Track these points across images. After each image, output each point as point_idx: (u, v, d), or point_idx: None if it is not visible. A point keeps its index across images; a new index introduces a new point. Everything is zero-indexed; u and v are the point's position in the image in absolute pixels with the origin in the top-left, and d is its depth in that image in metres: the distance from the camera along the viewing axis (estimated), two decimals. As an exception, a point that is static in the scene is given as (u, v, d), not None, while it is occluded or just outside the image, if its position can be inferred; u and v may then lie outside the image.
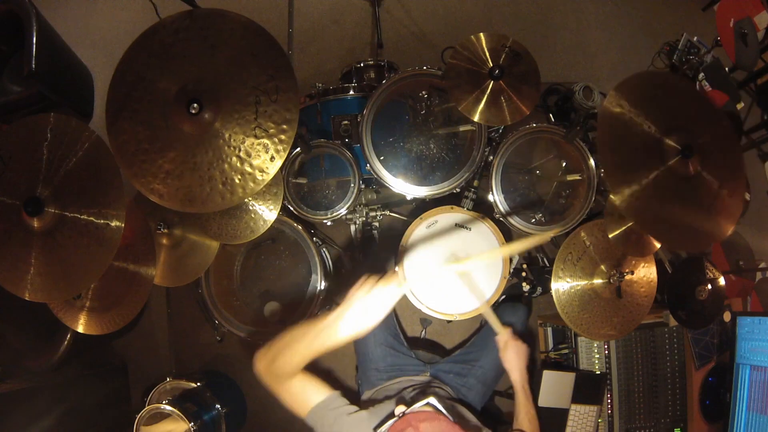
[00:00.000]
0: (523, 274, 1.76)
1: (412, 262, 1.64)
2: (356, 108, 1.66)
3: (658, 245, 1.51)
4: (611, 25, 2.45)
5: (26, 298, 1.13)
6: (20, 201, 1.10)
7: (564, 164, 1.76)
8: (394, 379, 1.51)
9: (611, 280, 1.49)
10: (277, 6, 2.31)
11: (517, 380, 1.39)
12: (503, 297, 1.68)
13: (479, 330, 1.55)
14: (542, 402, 1.67)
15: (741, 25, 1.80)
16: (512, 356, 1.41)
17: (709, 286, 1.66)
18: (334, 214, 1.63)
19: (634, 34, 2.44)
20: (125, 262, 1.37)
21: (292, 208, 1.63)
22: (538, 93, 1.46)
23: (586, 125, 1.53)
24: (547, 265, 1.91)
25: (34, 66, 1.55)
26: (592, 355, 1.77)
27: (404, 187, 1.58)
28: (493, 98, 1.42)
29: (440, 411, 1.04)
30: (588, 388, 1.70)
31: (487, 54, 1.45)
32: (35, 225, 1.12)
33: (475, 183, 1.63)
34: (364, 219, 1.84)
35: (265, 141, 1.10)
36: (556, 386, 1.68)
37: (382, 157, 1.59)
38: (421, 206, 1.86)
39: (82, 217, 1.12)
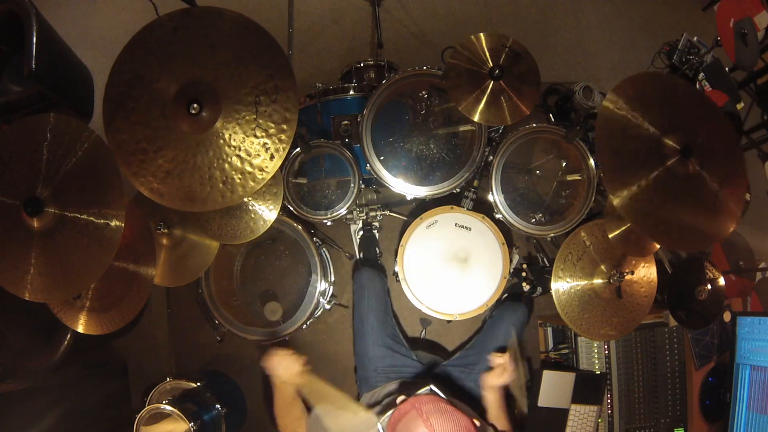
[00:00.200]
0: (523, 274, 1.76)
1: (412, 262, 1.64)
2: (356, 108, 1.66)
3: (658, 245, 1.51)
4: (611, 25, 2.45)
5: (26, 298, 1.13)
6: (20, 201, 1.10)
7: (564, 164, 1.76)
8: (392, 381, 1.51)
9: (611, 280, 1.49)
10: (277, 6, 2.31)
11: (496, 400, 1.37)
12: (504, 296, 1.68)
13: (479, 331, 1.55)
14: (542, 402, 1.67)
15: (741, 25, 1.80)
16: (505, 380, 1.38)
17: (709, 286, 1.65)
18: (334, 214, 1.63)
19: (634, 34, 2.44)
20: (125, 262, 1.37)
21: (292, 208, 1.63)
22: (538, 93, 1.46)
23: (586, 125, 1.53)
24: (547, 265, 1.91)
25: (34, 66, 1.55)
26: (592, 355, 1.77)
27: (404, 187, 1.58)
28: (493, 98, 1.42)
29: (440, 395, 1.05)
30: (588, 388, 1.70)
31: (487, 54, 1.45)
32: (35, 225, 1.12)
33: (475, 183, 1.63)
34: (364, 219, 1.84)
35: (265, 141, 1.10)
36: (556, 386, 1.67)
37: (382, 157, 1.59)
38: (421, 206, 1.86)
39: (82, 217, 1.12)
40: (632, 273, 1.52)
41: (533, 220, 1.74)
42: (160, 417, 1.53)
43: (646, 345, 1.76)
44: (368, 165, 1.57)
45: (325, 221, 1.65)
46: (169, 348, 2.05)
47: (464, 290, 1.60)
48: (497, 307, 1.67)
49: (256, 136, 1.10)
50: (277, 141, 1.10)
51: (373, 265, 1.77)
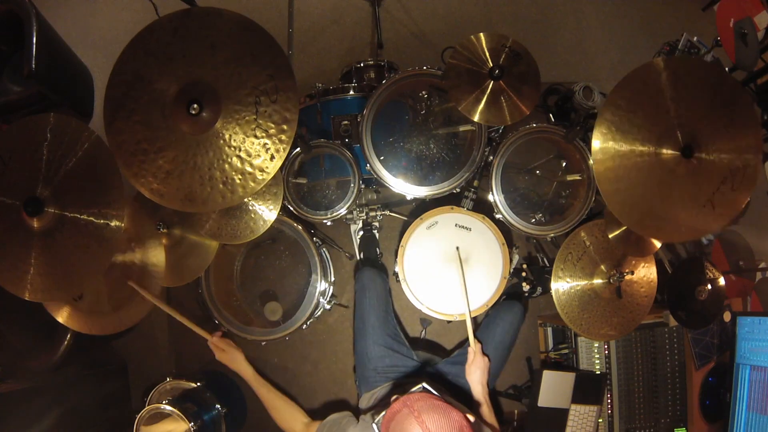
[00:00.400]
0: (523, 274, 1.76)
1: (412, 262, 1.64)
2: (356, 108, 1.66)
3: (658, 245, 1.51)
4: (611, 25, 2.45)
5: (26, 298, 1.13)
6: (20, 201, 1.11)
7: (564, 164, 1.76)
8: (392, 381, 1.51)
9: (611, 280, 1.49)
10: (277, 6, 2.31)
11: (480, 393, 1.44)
12: (503, 297, 1.68)
13: (476, 331, 1.56)
14: (542, 402, 1.67)
15: (741, 25, 1.80)
16: (476, 371, 1.46)
17: (709, 286, 1.65)
18: (334, 214, 1.63)
19: (634, 34, 2.44)
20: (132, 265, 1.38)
21: (292, 208, 1.63)
22: (538, 93, 1.46)
23: (586, 125, 1.53)
24: (547, 265, 1.91)
25: (34, 66, 1.55)
26: (592, 355, 1.77)
27: (404, 187, 1.58)
28: (493, 98, 1.42)
29: (433, 393, 1.07)
30: (588, 388, 1.70)
31: (487, 54, 1.45)
32: (35, 225, 1.12)
33: (475, 183, 1.63)
34: (364, 219, 1.84)
35: (265, 141, 1.10)
36: (556, 386, 1.67)
37: (382, 157, 1.59)
38: (421, 206, 1.86)
39: (82, 217, 1.12)
40: (632, 273, 1.52)
41: (533, 220, 1.74)
42: (160, 417, 1.53)
43: (646, 345, 1.76)
44: (368, 165, 1.57)
45: (325, 221, 1.65)
46: (169, 348, 2.05)
47: (456, 294, 1.60)
48: (493, 306, 1.67)
49: (256, 137, 1.10)
50: (277, 141, 1.10)
51: (375, 265, 1.78)
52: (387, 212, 1.90)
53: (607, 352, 1.75)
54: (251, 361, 1.50)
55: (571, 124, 1.55)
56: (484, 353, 1.52)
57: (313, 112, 1.69)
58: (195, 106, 1.07)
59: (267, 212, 1.53)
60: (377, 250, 1.90)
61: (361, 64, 1.86)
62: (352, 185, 1.63)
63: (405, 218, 2.00)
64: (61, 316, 1.38)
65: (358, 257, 1.96)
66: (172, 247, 1.59)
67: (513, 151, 1.60)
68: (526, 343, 2.01)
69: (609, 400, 1.74)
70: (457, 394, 1.53)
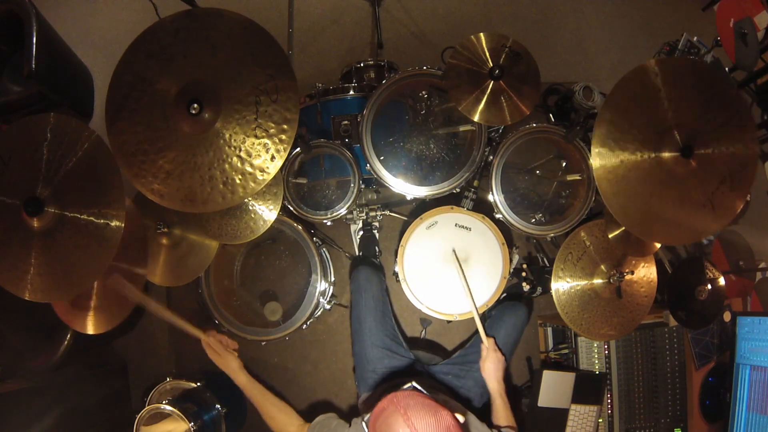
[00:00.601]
0: (523, 274, 1.76)
1: (412, 262, 1.64)
2: (356, 108, 1.66)
3: (658, 245, 1.51)
4: (611, 25, 2.45)
5: (26, 298, 1.13)
6: (20, 201, 1.10)
7: (564, 164, 1.76)
8: (390, 381, 1.51)
9: (611, 280, 1.49)
10: (277, 6, 2.31)
11: (495, 388, 1.43)
12: (504, 296, 1.68)
13: (478, 331, 1.56)
14: (542, 402, 1.67)
15: (741, 25, 1.80)
16: (490, 366, 1.45)
17: (709, 286, 1.66)
18: (334, 214, 1.63)
19: (634, 34, 2.44)
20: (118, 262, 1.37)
21: (292, 208, 1.63)
22: (538, 93, 1.46)
23: (586, 125, 1.53)
24: (547, 265, 1.91)
25: (34, 66, 1.55)
26: (592, 355, 1.77)
27: (404, 187, 1.58)
28: (493, 98, 1.42)
29: (421, 391, 1.07)
30: (588, 388, 1.70)
31: (487, 54, 1.45)
32: (35, 225, 1.12)
33: (475, 183, 1.63)
34: (364, 219, 1.84)
35: (266, 141, 1.10)
36: (556, 386, 1.67)
37: (382, 157, 1.59)
38: (421, 206, 1.86)
39: (82, 217, 1.12)
40: (632, 273, 1.52)
41: (533, 220, 1.74)
42: (160, 417, 1.53)
43: (646, 345, 1.76)
44: (368, 165, 1.57)
45: (325, 221, 1.65)
46: (169, 348, 2.05)
47: (461, 292, 1.60)
48: (497, 306, 1.67)
49: (256, 137, 1.10)
50: (277, 141, 1.10)
51: (371, 263, 1.77)
52: (387, 212, 1.90)
53: (607, 352, 1.75)
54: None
55: (571, 124, 1.55)
56: (497, 348, 1.50)
57: (313, 112, 1.69)
58: (195, 106, 1.07)
59: (267, 212, 1.53)
60: (377, 249, 1.90)
61: (361, 64, 1.86)
62: (352, 185, 1.63)
63: (405, 218, 2.00)
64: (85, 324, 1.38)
65: (357, 256, 1.96)
66: (172, 247, 1.59)
67: (513, 151, 1.60)
68: (526, 343, 2.00)
69: (609, 400, 1.74)
70: (456, 394, 1.53)
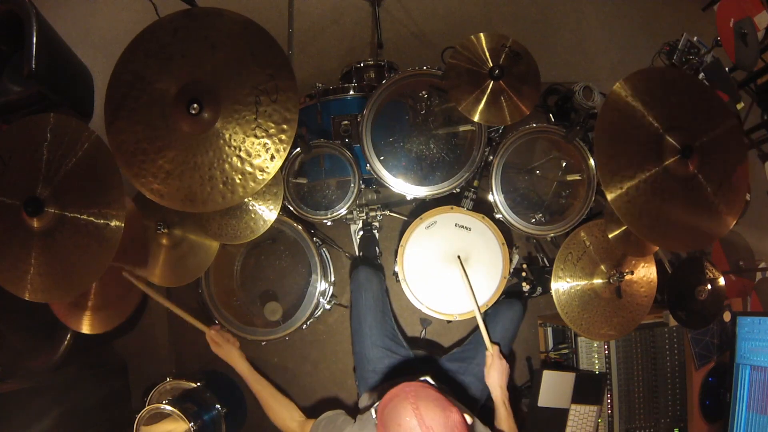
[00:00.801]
0: (523, 274, 1.76)
1: (411, 262, 1.64)
2: (356, 108, 1.66)
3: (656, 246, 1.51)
4: (611, 25, 2.45)
5: (26, 298, 1.13)
6: (20, 201, 1.10)
7: (564, 164, 1.76)
8: (391, 380, 1.51)
9: (611, 280, 1.49)
10: (277, 6, 2.31)
11: (499, 396, 1.42)
12: (502, 297, 1.68)
13: (477, 327, 1.56)
14: (542, 402, 1.67)
15: (741, 25, 1.80)
16: (495, 374, 1.43)
17: (709, 286, 1.65)
18: (334, 214, 1.63)
19: (634, 34, 2.44)
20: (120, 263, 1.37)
21: (292, 208, 1.63)
22: (538, 93, 1.46)
23: (586, 125, 1.53)
24: (547, 265, 1.91)
25: (34, 66, 1.55)
26: (592, 355, 1.77)
27: (404, 187, 1.58)
28: (493, 98, 1.42)
29: (433, 385, 1.06)
30: (588, 388, 1.70)
31: (487, 54, 1.45)
32: (35, 225, 1.12)
33: (475, 183, 1.63)
34: (364, 219, 1.84)
35: (265, 141, 1.10)
36: (556, 386, 1.67)
37: (382, 157, 1.59)
38: (421, 206, 1.86)
39: (82, 217, 1.12)
40: (632, 273, 1.52)
41: (533, 220, 1.74)
42: (160, 417, 1.53)
43: (646, 345, 1.76)
44: (368, 165, 1.57)
45: (325, 221, 1.65)
46: (169, 348, 2.04)
47: (464, 290, 1.60)
48: (493, 304, 1.67)
49: (256, 137, 1.10)
50: (277, 141, 1.10)
51: (371, 263, 1.77)
52: (387, 212, 1.90)
53: (607, 352, 1.75)
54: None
55: (571, 124, 1.55)
56: (501, 355, 1.49)
57: (313, 112, 1.69)
58: (195, 105, 1.07)
59: (267, 212, 1.53)
60: (377, 249, 1.90)
61: (361, 64, 1.86)
62: (352, 185, 1.63)
63: (405, 218, 2.00)
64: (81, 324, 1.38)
65: (357, 256, 1.96)
66: (172, 248, 1.58)
67: (513, 151, 1.60)
68: (526, 343, 2.01)
69: (609, 400, 1.74)
70: (458, 392, 1.53)
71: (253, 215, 1.53)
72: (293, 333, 1.68)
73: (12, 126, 1.15)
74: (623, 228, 1.46)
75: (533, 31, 2.41)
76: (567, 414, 1.68)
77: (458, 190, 1.62)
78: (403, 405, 0.94)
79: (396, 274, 1.67)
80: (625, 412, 1.74)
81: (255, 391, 1.44)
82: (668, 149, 1.20)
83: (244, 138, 1.10)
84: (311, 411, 1.41)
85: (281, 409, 1.39)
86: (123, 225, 1.12)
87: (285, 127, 1.10)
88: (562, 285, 1.50)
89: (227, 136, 1.10)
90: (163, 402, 1.53)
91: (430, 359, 1.74)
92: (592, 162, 1.58)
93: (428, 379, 1.12)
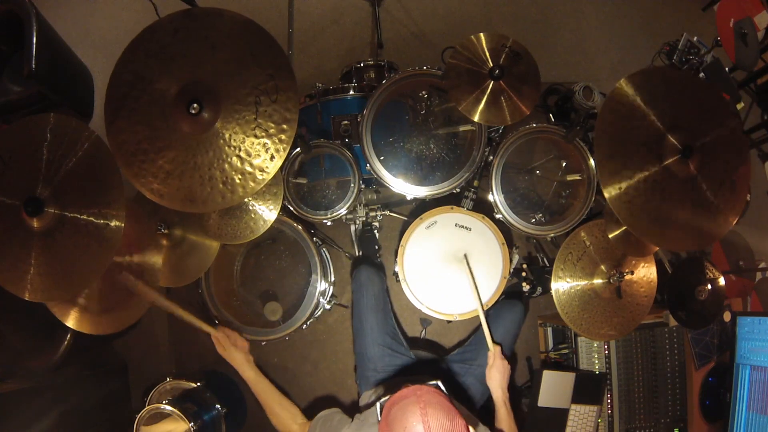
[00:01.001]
0: (523, 274, 1.76)
1: (412, 262, 1.64)
2: (356, 108, 1.66)
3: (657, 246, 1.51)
4: (611, 25, 2.45)
5: (26, 298, 1.13)
6: (20, 201, 1.10)
7: (564, 164, 1.76)
8: (392, 380, 1.51)
9: (611, 280, 1.49)
10: (277, 6, 2.31)
11: (500, 397, 1.42)
12: (502, 297, 1.68)
13: (478, 329, 1.56)
14: (542, 402, 1.67)
15: (741, 25, 1.80)
16: (496, 374, 1.43)
17: (709, 286, 1.65)
18: (334, 214, 1.63)
19: (634, 34, 2.44)
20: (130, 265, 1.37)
21: (292, 208, 1.63)
22: (538, 93, 1.46)
23: (586, 125, 1.53)
24: (547, 265, 1.91)
25: (34, 66, 1.55)
26: (592, 355, 1.77)
27: (404, 187, 1.58)
28: (493, 98, 1.42)
29: (444, 393, 1.05)
30: (588, 388, 1.70)
31: (487, 54, 1.45)
32: (35, 225, 1.12)
33: (475, 183, 1.63)
34: (364, 219, 1.84)
35: (265, 141, 1.10)
36: (556, 386, 1.68)
37: (382, 157, 1.59)
38: (421, 206, 1.86)
39: (82, 217, 1.12)
40: (632, 273, 1.52)
41: (533, 220, 1.74)
42: (160, 417, 1.53)
43: (646, 345, 1.76)
44: (368, 165, 1.57)
45: (325, 221, 1.65)
46: (169, 348, 2.05)
47: (464, 290, 1.60)
48: (494, 305, 1.67)
49: (256, 137, 1.10)
50: (277, 141, 1.10)
51: (372, 263, 1.77)
52: (387, 212, 1.90)
53: (607, 352, 1.75)
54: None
55: (571, 124, 1.55)
56: (503, 356, 1.49)
57: (313, 112, 1.69)
58: (195, 105, 1.07)
59: (267, 212, 1.53)
60: (377, 249, 1.90)
61: (361, 64, 1.86)
62: (352, 185, 1.63)
63: (405, 218, 2.00)
64: (70, 320, 1.38)
65: (357, 255, 1.96)
66: (172, 248, 1.58)
67: (513, 151, 1.60)
68: (526, 343, 2.01)
69: (609, 400, 1.74)
70: (459, 394, 1.53)
71: (253, 215, 1.53)
72: (293, 333, 1.68)
73: (12, 126, 1.15)
74: (623, 228, 1.46)
75: (533, 31, 2.41)
76: (567, 414, 1.68)
77: (458, 190, 1.62)
78: (411, 408, 0.94)
79: (396, 274, 1.67)
80: (625, 412, 1.74)
81: (258, 396, 1.42)
82: (669, 149, 1.20)
83: (244, 138, 1.10)
84: (311, 411, 1.41)
85: (283, 414, 1.37)
86: (123, 225, 1.12)
87: (285, 127, 1.10)
88: (562, 285, 1.50)
89: (227, 136, 1.10)
90: (163, 402, 1.53)
91: (431, 359, 1.74)
92: (592, 162, 1.58)
93: (440, 384, 1.11)
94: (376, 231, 1.92)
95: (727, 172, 1.24)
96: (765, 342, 1.65)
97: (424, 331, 1.98)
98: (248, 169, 1.10)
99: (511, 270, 1.67)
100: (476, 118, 1.42)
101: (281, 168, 1.27)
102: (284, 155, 1.10)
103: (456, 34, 2.34)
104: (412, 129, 1.74)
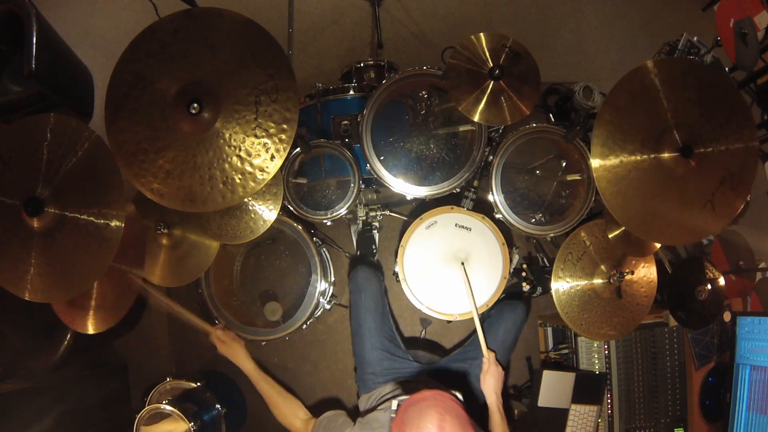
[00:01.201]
0: (523, 274, 1.76)
1: (412, 262, 1.64)
2: (356, 108, 1.66)
3: (658, 245, 1.51)
4: (611, 25, 2.45)
5: (26, 298, 1.13)
6: (20, 201, 1.10)
7: (564, 164, 1.76)
8: (390, 383, 1.51)
9: (611, 280, 1.49)
10: (277, 6, 2.31)
11: (494, 402, 1.42)
12: (503, 297, 1.68)
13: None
14: (542, 402, 1.67)
15: (741, 25, 1.80)
16: (491, 380, 1.44)
17: (709, 286, 1.65)
18: (334, 214, 1.63)
19: (634, 34, 2.44)
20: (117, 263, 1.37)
21: (292, 208, 1.63)
22: (538, 93, 1.46)
23: (586, 125, 1.53)
24: (547, 265, 1.91)
25: (34, 66, 1.55)
26: (592, 355, 1.77)
27: (404, 187, 1.58)
28: (493, 98, 1.42)
29: (463, 403, 1.06)
30: (588, 388, 1.70)
31: (487, 54, 1.45)
32: (35, 225, 1.12)
33: (475, 183, 1.63)
34: (364, 219, 1.84)
35: (265, 140, 1.10)
36: (556, 386, 1.68)
37: (382, 157, 1.59)
38: (421, 206, 1.86)
39: (82, 217, 1.12)
40: (632, 273, 1.52)
41: (533, 220, 1.73)
42: (160, 417, 1.53)
43: (646, 345, 1.76)
44: (368, 165, 1.57)
45: (325, 221, 1.65)
46: (169, 348, 2.05)
47: (464, 290, 1.60)
48: (496, 305, 1.67)
49: (256, 136, 1.10)
50: (277, 141, 1.10)
51: (370, 263, 1.77)
52: (387, 212, 1.90)
53: (607, 352, 1.75)
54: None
55: (571, 124, 1.55)
56: (497, 362, 1.49)
57: (313, 112, 1.69)
58: (195, 105, 1.07)
59: (267, 212, 1.53)
60: (373, 248, 1.89)
61: (361, 64, 1.86)
62: (352, 185, 1.63)
63: (405, 218, 2.00)
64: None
65: (356, 255, 1.96)
66: (172, 248, 1.58)
67: (513, 151, 1.60)
68: (526, 343, 2.01)
69: (609, 400, 1.74)
70: (461, 392, 1.53)
71: (253, 215, 1.53)
72: (293, 333, 1.68)
73: (12, 126, 1.15)
74: (623, 228, 1.46)
75: (533, 31, 2.41)
76: (567, 414, 1.68)
77: (458, 190, 1.62)
78: (429, 411, 0.95)
79: (396, 274, 1.67)
80: (625, 412, 1.74)
81: (261, 390, 1.44)
82: (669, 142, 1.19)
83: (244, 138, 1.10)
84: (311, 411, 1.42)
85: (287, 408, 1.40)
86: (123, 225, 1.12)
87: (285, 127, 1.10)
88: (562, 285, 1.50)
89: (227, 135, 1.10)
90: (163, 402, 1.53)
91: (431, 360, 1.74)
92: (592, 162, 1.58)
93: (458, 395, 1.12)
94: (376, 231, 1.92)
95: (730, 177, 1.22)
96: (765, 342, 1.65)
97: (424, 331, 1.98)
98: (248, 168, 1.10)
99: (511, 270, 1.67)
100: (476, 118, 1.42)
101: (281, 168, 1.27)
102: (284, 155, 1.11)
103: (456, 34, 2.34)
104: (412, 129, 1.74)
